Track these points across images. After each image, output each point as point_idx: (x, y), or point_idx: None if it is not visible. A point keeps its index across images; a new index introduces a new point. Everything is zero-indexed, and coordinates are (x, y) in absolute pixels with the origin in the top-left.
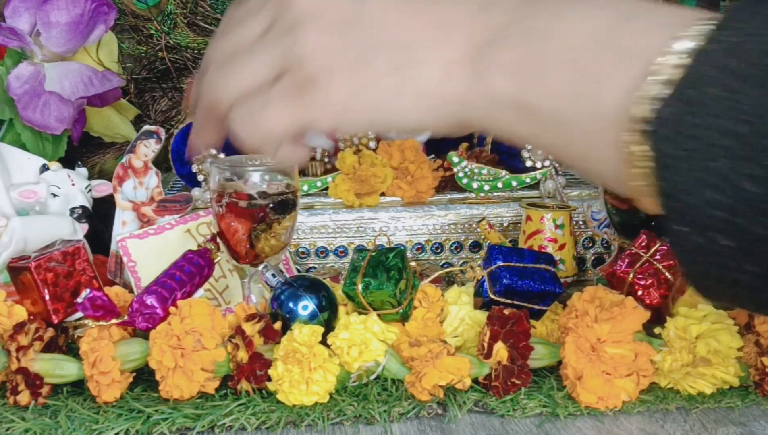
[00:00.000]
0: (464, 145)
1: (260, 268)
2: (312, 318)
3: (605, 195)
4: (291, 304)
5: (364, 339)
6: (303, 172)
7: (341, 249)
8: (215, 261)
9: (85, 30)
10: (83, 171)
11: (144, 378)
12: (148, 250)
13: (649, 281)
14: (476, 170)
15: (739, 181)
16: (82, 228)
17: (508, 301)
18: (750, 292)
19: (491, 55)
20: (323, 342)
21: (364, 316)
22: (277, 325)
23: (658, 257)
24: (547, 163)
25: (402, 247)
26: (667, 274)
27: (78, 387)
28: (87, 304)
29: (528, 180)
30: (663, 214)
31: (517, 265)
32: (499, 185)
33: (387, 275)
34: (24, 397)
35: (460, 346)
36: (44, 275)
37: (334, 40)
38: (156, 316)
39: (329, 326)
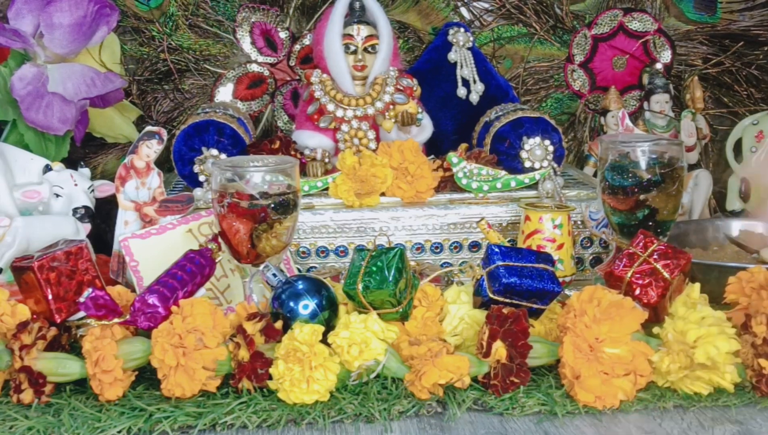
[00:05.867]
0: (464, 145)
1: (261, 267)
2: (312, 317)
3: (603, 195)
4: (292, 304)
5: (365, 338)
6: (304, 173)
7: (342, 249)
8: (217, 260)
9: (88, 32)
10: (86, 171)
11: (146, 376)
12: (150, 250)
13: (647, 281)
14: (475, 171)
15: None
16: (85, 228)
17: (507, 301)
18: None
19: None
20: (324, 341)
21: (365, 315)
22: (278, 325)
23: (655, 257)
24: (545, 163)
25: (402, 247)
26: (664, 273)
27: (81, 385)
28: (89, 303)
29: (527, 180)
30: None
31: (515, 264)
32: (498, 185)
33: (387, 275)
34: (27, 396)
35: (459, 345)
36: (47, 275)
37: None
38: (158, 315)
39: (330, 325)
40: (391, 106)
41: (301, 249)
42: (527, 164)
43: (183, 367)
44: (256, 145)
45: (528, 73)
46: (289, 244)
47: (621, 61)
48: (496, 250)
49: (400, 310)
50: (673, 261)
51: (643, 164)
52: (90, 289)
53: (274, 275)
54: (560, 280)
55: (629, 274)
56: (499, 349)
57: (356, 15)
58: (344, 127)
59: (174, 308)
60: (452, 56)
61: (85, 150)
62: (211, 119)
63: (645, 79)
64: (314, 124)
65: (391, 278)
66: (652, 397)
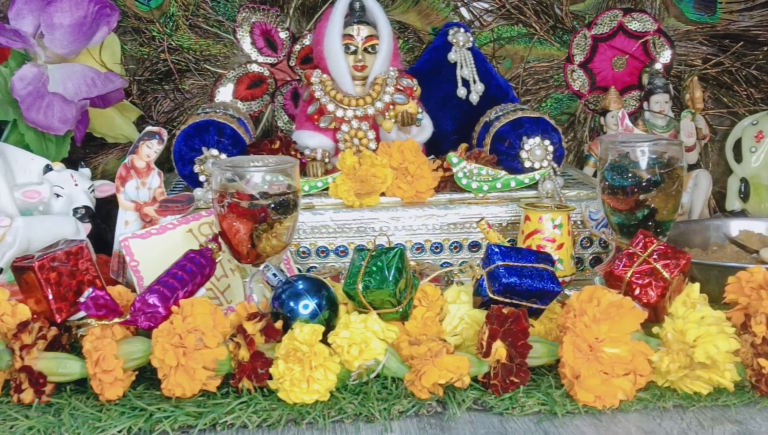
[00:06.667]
0: (464, 145)
1: (261, 267)
2: (313, 317)
3: (603, 195)
4: (292, 304)
5: (365, 338)
6: (304, 173)
7: (342, 249)
8: (217, 260)
9: (88, 32)
10: (86, 171)
11: (146, 376)
12: (150, 250)
13: (647, 280)
14: (475, 171)
15: None
16: (85, 228)
17: (507, 300)
18: None
19: None
20: (324, 341)
21: (365, 315)
22: (278, 324)
23: (655, 257)
24: (545, 163)
25: (402, 247)
26: (664, 273)
27: (81, 385)
28: (90, 303)
29: (527, 180)
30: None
31: (515, 264)
32: (498, 185)
33: (387, 275)
34: (28, 396)
35: (459, 345)
36: (48, 275)
37: None
38: (158, 315)
39: (330, 325)
40: (391, 106)
41: (301, 249)
42: (527, 164)
43: (183, 367)
44: (256, 145)
45: (528, 73)
46: (289, 244)
47: (621, 61)
48: (496, 250)
49: (400, 310)
50: (673, 261)
51: (643, 164)
52: (90, 289)
53: (274, 275)
54: (560, 280)
55: (629, 274)
56: (499, 349)
57: (356, 15)
58: (344, 127)
59: (174, 308)
60: (452, 56)
61: (85, 150)
62: (212, 119)
63: (645, 79)
64: (314, 124)
65: (391, 278)
66: (651, 397)
